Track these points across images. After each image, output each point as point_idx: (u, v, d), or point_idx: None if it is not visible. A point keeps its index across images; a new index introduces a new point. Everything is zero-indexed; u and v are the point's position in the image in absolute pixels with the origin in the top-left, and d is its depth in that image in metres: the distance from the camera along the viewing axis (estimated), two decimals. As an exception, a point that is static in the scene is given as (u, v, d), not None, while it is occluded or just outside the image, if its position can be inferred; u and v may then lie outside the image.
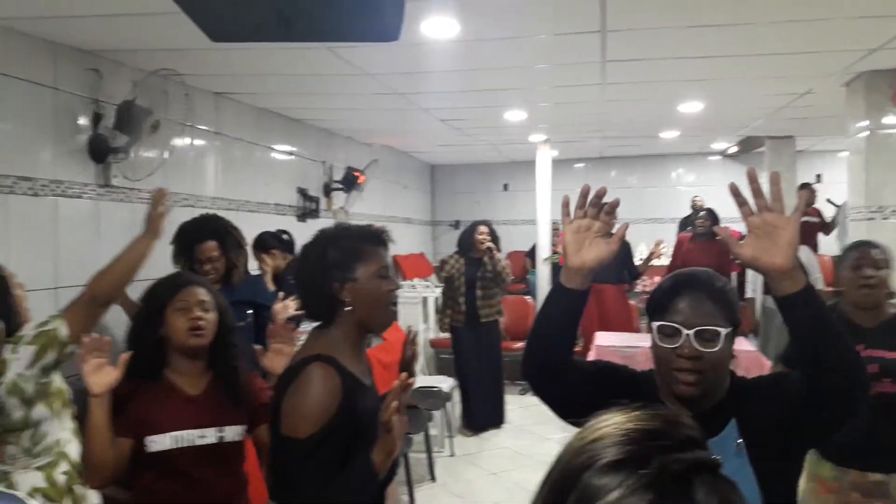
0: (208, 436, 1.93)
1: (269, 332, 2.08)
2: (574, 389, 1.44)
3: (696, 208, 8.33)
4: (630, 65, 3.94)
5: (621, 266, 6.18)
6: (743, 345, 4.23)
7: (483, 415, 5.60)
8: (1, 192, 3.08)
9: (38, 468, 1.97)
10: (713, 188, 9.38)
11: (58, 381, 2.06)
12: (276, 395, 1.58)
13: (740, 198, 1.33)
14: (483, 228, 5.63)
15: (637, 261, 6.85)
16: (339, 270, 1.60)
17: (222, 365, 2.02)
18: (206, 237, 3.21)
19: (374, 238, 1.68)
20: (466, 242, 5.66)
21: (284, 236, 4.24)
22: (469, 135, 6.92)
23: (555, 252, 7.03)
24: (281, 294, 3.61)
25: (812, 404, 1.32)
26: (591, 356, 5.21)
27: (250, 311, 3.32)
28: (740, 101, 5.23)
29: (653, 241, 7.25)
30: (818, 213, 7.31)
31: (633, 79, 4.33)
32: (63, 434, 2.06)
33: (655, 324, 1.41)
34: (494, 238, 5.64)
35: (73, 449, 2.06)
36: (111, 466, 1.81)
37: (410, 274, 8.66)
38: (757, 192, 1.32)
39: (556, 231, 8.97)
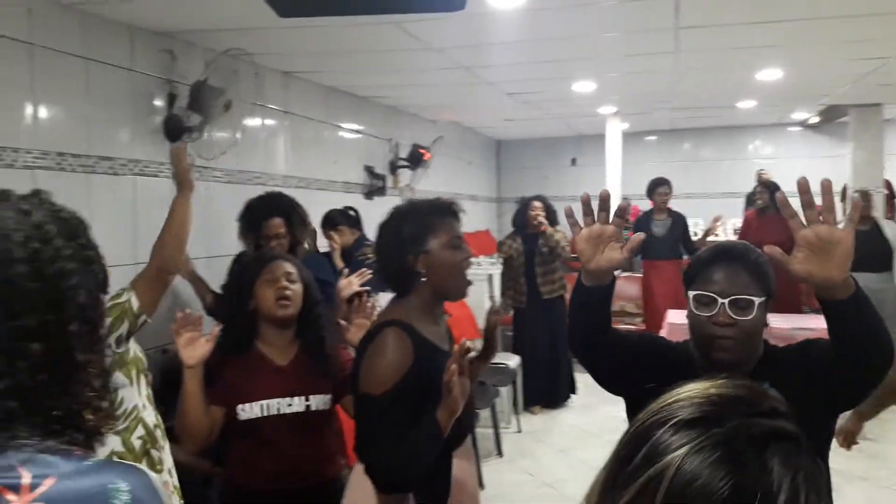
0: (295, 404, 2.01)
1: (354, 308, 2.19)
2: (615, 360, 1.54)
3: (760, 182, 7.97)
4: (705, 31, 3.77)
5: (677, 242, 6.00)
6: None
7: (545, 393, 5.56)
8: (84, 172, 3.21)
9: (116, 433, 2.06)
10: (793, 161, 8.97)
11: (133, 349, 2.15)
12: (357, 358, 1.71)
13: (789, 209, 1.27)
14: (537, 204, 5.56)
15: (693, 236, 6.63)
16: (413, 244, 1.71)
17: (309, 335, 2.11)
18: (272, 214, 3.28)
19: (445, 210, 1.78)
20: (521, 220, 5.61)
21: (351, 213, 4.29)
22: (536, 108, 6.81)
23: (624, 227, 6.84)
24: (346, 271, 3.67)
25: (842, 376, 1.36)
26: (664, 334, 5.11)
27: None
28: (823, 67, 4.94)
29: (725, 217, 7.02)
30: (889, 186, 6.79)
31: (707, 46, 4.15)
32: (139, 400, 2.14)
33: (692, 293, 1.47)
34: (549, 213, 5.53)
35: (149, 415, 2.15)
36: (205, 433, 1.92)
37: (476, 251, 8.63)
38: (808, 203, 1.25)
39: (626, 205, 8.76)
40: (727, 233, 7.00)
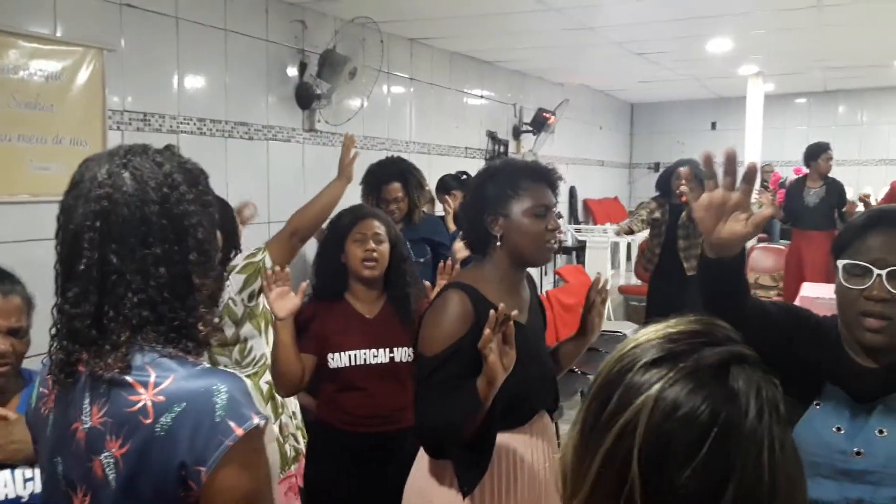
0: (380, 356, 2.10)
1: (438, 269, 2.19)
2: (754, 331, 1.34)
3: None
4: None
5: (832, 211, 5.54)
6: None
7: None
8: (222, 136, 3.48)
9: (246, 377, 2.27)
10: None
11: (263, 303, 2.33)
12: (422, 318, 1.69)
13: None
14: (682, 170, 5.11)
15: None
16: (493, 204, 1.63)
17: (395, 291, 2.18)
18: (391, 178, 3.39)
19: (536, 174, 1.66)
20: (665, 185, 5.20)
21: (464, 177, 4.34)
22: (668, 69, 6.51)
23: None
24: (460, 233, 3.74)
25: None
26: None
27: (429, 249, 3.49)
28: None
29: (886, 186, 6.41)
30: None
31: (856, -2, 3.80)
32: (267, 349, 2.34)
33: (842, 262, 1.28)
34: (699, 181, 5.17)
35: None
36: (297, 378, 2.02)
37: (602, 219, 8.47)
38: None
39: (768, 172, 8.23)
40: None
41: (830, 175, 5.69)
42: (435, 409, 1.51)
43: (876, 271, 1.22)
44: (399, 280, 2.18)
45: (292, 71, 3.93)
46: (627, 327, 5.29)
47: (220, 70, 3.48)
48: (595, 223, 8.22)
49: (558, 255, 7.30)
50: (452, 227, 3.96)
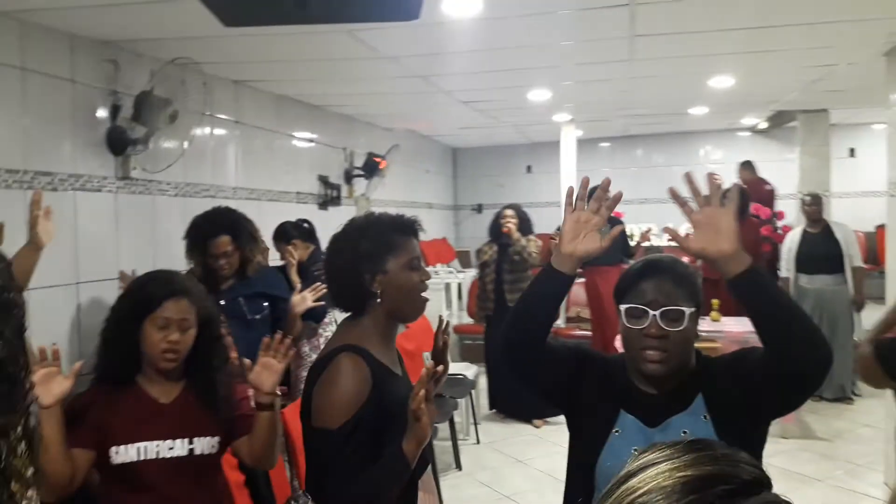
0: (177, 447, 1.81)
1: (263, 345, 1.90)
2: (548, 369, 1.54)
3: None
4: (659, 39, 3.79)
5: (618, 248, 6.02)
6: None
7: (510, 401, 5.52)
8: (20, 188, 3.05)
9: None
10: (742, 165, 9.15)
11: None
12: (307, 388, 1.59)
13: (680, 199, 1.44)
14: (508, 212, 5.49)
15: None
16: (370, 262, 1.61)
17: (199, 374, 1.90)
18: (218, 231, 3.13)
19: (405, 228, 1.68)
20: (495, 228, 5.56)
21: (305, 225, 4.17)
22: (492, 116, 6.80)
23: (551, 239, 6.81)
24: (298, 286, 3.55)
25: (772, 383, 1.39)
26: (619, 342, 5.12)
27: (266, 304, 3.26)
28: (774, 74, 5.04)
29: (684, 222, 7.08)
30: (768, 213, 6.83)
31: (662, 54, 4.18)
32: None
33: (623, 307, 1.48)
34: (522, 221, 5.49)
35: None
36: (64, 480, 1.69)
37: (433, 260, 8.60)
38: (695, 192, 1.46)
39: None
40: (663, 238, 7.12)
41: (616, 215, 6.22)
42: (358, 483, 1.47)
43: (651, 312, 1.43)
44: (204, 363, 1.89)
45: (102, 114, 3.56)
46: (467, 369, 5.32)
47: (17, 113, 3.06)
48: (427, 264, 8.29)
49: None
50: (296, 279, 3.76)
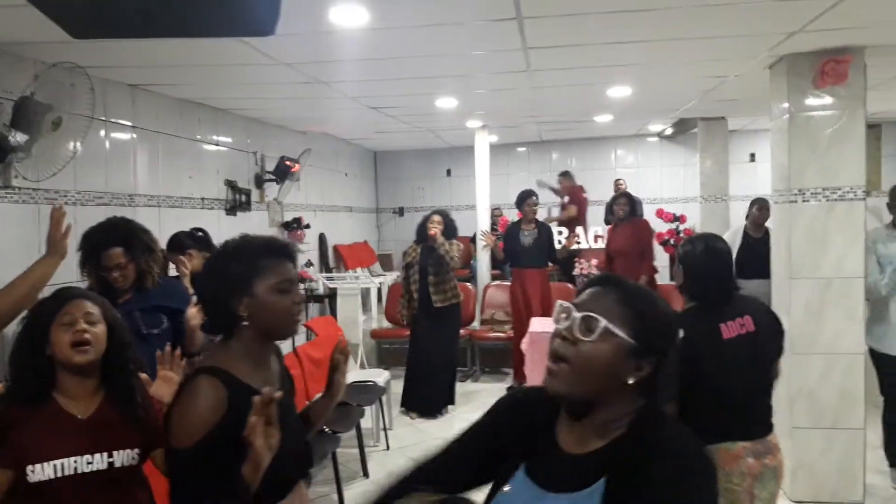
0: (96, 462, 1.81)
1: (158, 358, 1.96)
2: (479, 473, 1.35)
3: (617, 192, 8.38)
4: (552, 51, 3.89)
5: (544, 251, 6.19)
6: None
7: (426, 400, 5.67)
8: None
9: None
10: (651, 170, 9.50)
11: None
12: (169, 408, 1.59)
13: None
14: (435, 217, 5.66)
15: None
16: (237, 285, 1.60)
17: (115, 383, 1.90)
18: (111, 244, 3.01)
19: (276, 251, 1.66)
20: (422, 231, 5.68)
21: (199, 234, 4.06)
22: (404, 122, 6.82)
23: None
24: (194, 298, 3.46)
25: None
26: (525, 343, 5.23)
27: (165, 318, 3.17)
28: (669, 84, 5.24)
29: (592, 225, 7.31)
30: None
31: (557, 65, 4.29)
32: None
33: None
34: (448, 226, 5.62)
35: None
36: None
37: (353, 263, 8.55)
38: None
39: (497, 216, 8.95)
40: (590, 241, 7.32)
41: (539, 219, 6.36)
42: (200, 501, 1.46)
43: (574, 313, 1.22)
44: (120, 371, 1.90)
45: (-20, 120, 3.39)
46: (379, 375, 5.32)
47: None
48: (347, 268, 8.27)
49: (310, 304, 7.19)
50: (191, 290, 3.67)
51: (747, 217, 5.79)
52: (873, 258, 4.00)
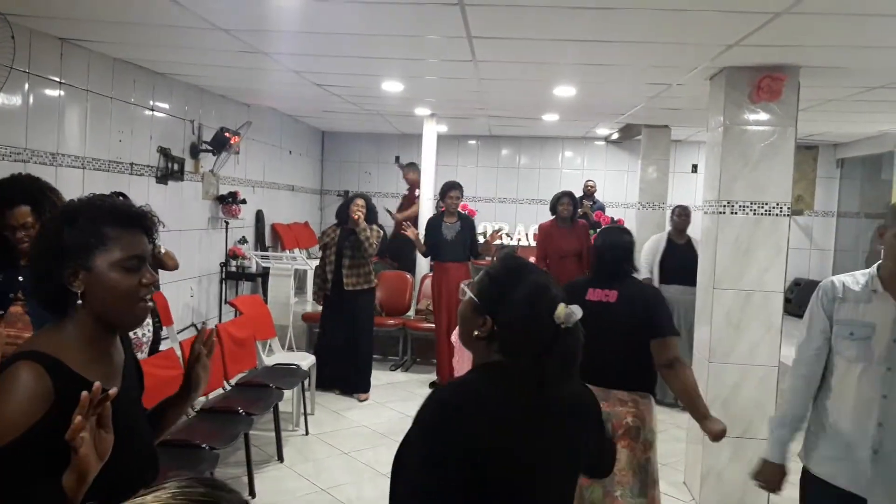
0: None
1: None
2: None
3: (586, 193, 8.44)
4: (495, 42, 3.85)
5: (465, 245, 6.10)
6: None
7: (336, 380, 5.76)
8: None
9: None
10: (596, 172, 9.60)
11: None
12: None
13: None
14: (359, 201, 5.66)
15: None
16: (72, 256, 1.35)
17: None
18: (18, 201, 2.85)
19: (127, 220, 1.41)
20: (343, 214, 5.64)
21: (120, 199, 3.90)
22: (352, 102, 6.70)
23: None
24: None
25: None
26: (455, 336, 5.21)
27: None
28: (612, 88, 5.27)
29: (535, 223, 7.30)
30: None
31: (501, 57, 4.25)
32: None
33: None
34: (370, 211, 5.60)
35: None
36: None
37: (290, 244, 8.39)
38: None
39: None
40: (528, 237, 7.34)
41: (464, 212, 6.30)
42: None
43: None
44: None
45: None
46: (304, 359, 5.23)
47: None
48: (283, 248, 8.11)
49: (241, 283, 7.03)
50: None
51: (671, 223, 5.93)
52: (819, 320, 2.19)
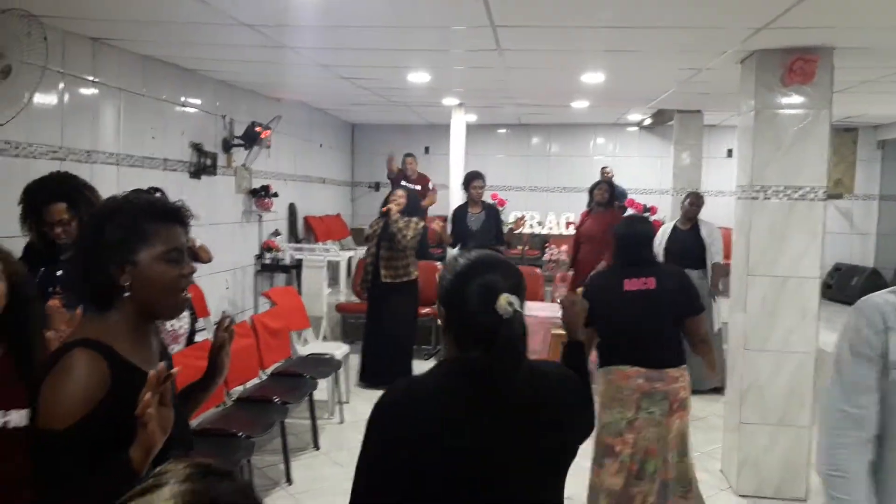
0: None
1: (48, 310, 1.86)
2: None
3: (603, 178, 8.37)
4: (520, 31, 3.82)
5: (491, 234, 6.05)
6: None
7: (377, 373, 5.65)
8: None
9: None
10: (629, 159, 9.48)
11: None
12: (36, 384, 1.41)
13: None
14: (399, 192, 5.62)
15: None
16: (118, 251, 1.43)
17: (16, 340, 1.84)
18: (54, 198, 2.95)
19: (165, 215, 1.48)
20: (384, 205, 5.65)
21: (157, 194, 3.99)
22: (380, 95, 6.72)
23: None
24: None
25: None
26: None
27: None
28: (642, 73, 5.20)
29: (566, 212, 7.26)
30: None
31: (527, 46, 4.22)
32: None
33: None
34: (410, 203, 5.56)
35: None
36: None
37: (323, 236, 8.48)
38: None
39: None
40: (560, 225, 7.30)
41: (489, 201, 6.28)
42: (78, 494, 1.30)
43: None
44: (21, 327, 1.81)
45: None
46: (338, 348, 5.29)
47: None
48: (317, 240, 8.19)
49: (276, 275, 7.13)
50: None
51: (681, 209, 5.88)
52: (864, 365, 1.57)
